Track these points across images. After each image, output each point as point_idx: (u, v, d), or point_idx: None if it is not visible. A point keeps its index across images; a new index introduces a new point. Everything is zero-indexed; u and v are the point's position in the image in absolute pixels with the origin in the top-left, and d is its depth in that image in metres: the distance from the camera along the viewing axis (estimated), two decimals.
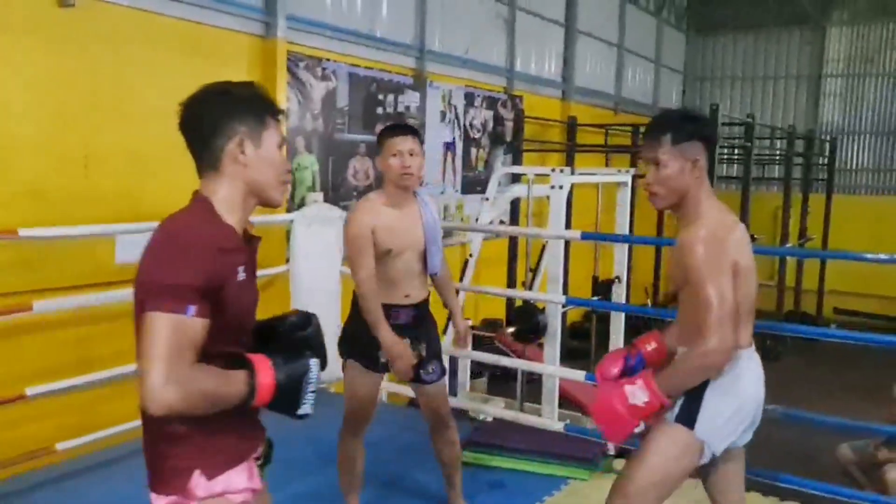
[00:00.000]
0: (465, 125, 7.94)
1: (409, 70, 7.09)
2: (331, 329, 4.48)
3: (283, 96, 5.58)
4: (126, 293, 1.57)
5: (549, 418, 4.53)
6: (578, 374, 4.33)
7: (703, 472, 2.23)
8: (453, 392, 5.89)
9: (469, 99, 8.00)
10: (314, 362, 1.60)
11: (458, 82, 7.80)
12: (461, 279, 6.21)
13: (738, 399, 2.08)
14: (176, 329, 1.40)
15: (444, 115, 7.62)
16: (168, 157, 4.75)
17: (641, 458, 2.11)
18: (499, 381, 7.16)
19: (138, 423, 1.57)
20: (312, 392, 1.60)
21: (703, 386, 2.05)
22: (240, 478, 1.58)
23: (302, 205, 5.65)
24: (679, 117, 2.17)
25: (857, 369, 4.90)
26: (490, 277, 7.51)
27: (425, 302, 2.89)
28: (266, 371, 1.52)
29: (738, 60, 13.81)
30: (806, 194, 11.17)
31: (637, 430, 2.05)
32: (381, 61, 6.72)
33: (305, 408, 1.60)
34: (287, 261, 4.70)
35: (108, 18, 4.36)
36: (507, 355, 5.43)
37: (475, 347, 5.95)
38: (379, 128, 3.33)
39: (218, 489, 1.53)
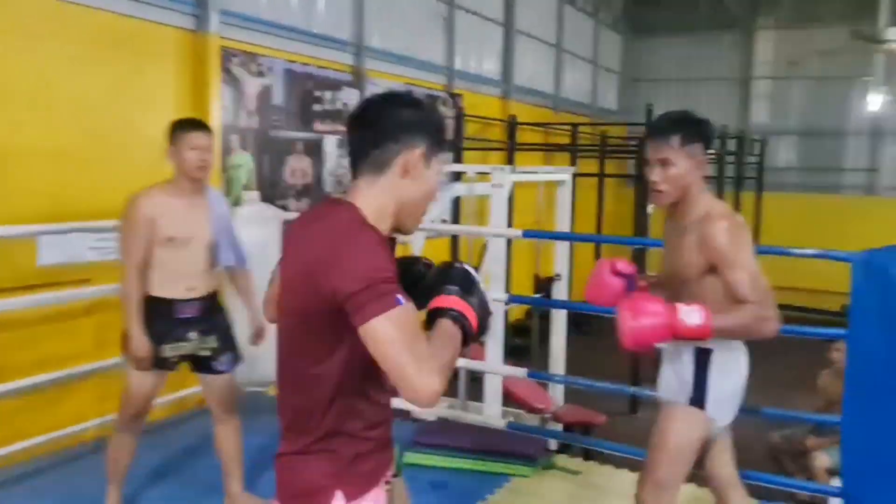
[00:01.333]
0: None
1: (347, 67, 7.01)
2: (271, 331, 4.40)
3: (217, 93, 5.43)
4: (49, 297, 1.48)
5: (493, 416, 4.54)
6: (521, 372, 4.35)
7: (704, 449, 2.39)
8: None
9: None
10: (465, 265, 1.57)
11: (397, 80, 7.75)
12: None
13: (737, 380, 2.30)
14: (395, 325, 1.35)
15: None
16: (92, 153, 4.58)
17: (664, 444, 2.30)
18: None
19: (55, 434, 1.49)
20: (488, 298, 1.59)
21: (707, 370, 2.24)
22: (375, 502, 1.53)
23: (237, 204, 5.51)
24: (686, 119, 2.28)
25: (787, 361, 5.06)
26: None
27: (214, 294, 2.96)
28: (458, 306, 1.47)
29: (673, 62, 14.14)
30: (738, 192, 11.51)
31: (660, 345, 2.17)
32: (318, 58, 6.62)
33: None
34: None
35: (22, 8, 4.16)
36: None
37: None
38: (318, 123, 3.34)
39: None
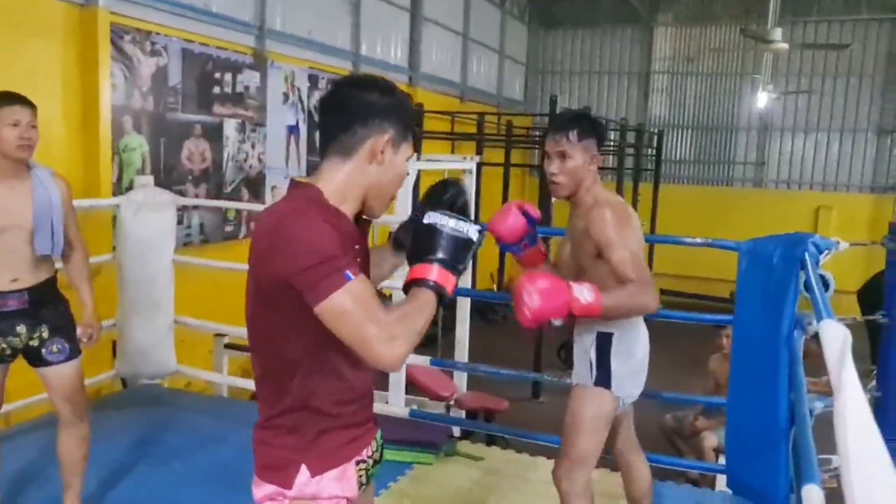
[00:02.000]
0: (309, 108, 7.74)
1: (248, 49, 6.80)
2: (164, 323, 4.24)
3: (106, 71, 5.16)
4: None
5: (396, 405, 4.53)
6: (424, 360, 4.35)
7: (615, 427, 2.55)
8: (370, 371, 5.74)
9: (313, 81, 7.80)
10: (453, 223, 1.53)
11: (301, 63, 7.59)
12: None
13: (636, 361, 2.45)
14: (354, 297, 1.37)
15: (286, 97, 7.38)
16: None
17: (575, 423, 2.41)
18: None
19: None
20: (464, 223, 1.54)
21: (608, 352, 2.39)
22: (333, 484, 1.53)
23: (129, 188, 5.27)
24: (583, 118, 2.43)
25: (680, 345, 5.29)
26: None
27: (44, 284, 2.66)
28: (442, 273, 1.49)
29: (576, 55, 14.48)
30: (636, 183, 11.93)
31: (556, 323, 2.22)
32: (218, 38, 6.39)
33: (472, 234, 1.55)
34: (113, 248, 4.36)
35: None
36: None
37: None
38: (217, 106, 3.10)
39: (310, 491, 1.50)
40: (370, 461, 1.62)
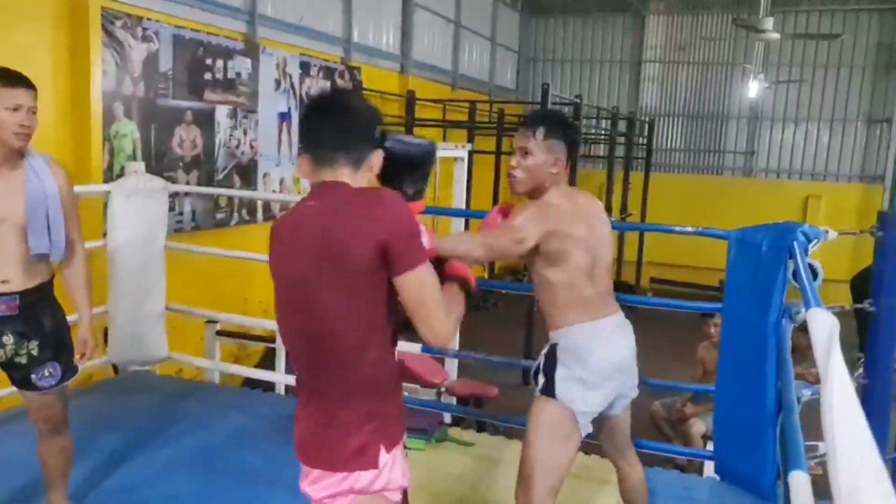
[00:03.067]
0: (301, 95, 7.71)
1: (239, 35, 6.76)
2: (156, 310, 4.24)
3: (97, 57, 5.12)
4: None
5: None
6: (415, 347, 4.37)
7: (598, 429, 2.47)
8: (290, 369, 5.77)
9: (305, 68, 7.77)
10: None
11: (292, 50, 7.55)
12: None
13: (592, 371, 2.29)
14: (432, 274, 1.56)
15: (278, 83, 7.35)
16: None
17: (526, 436, 2.34)
18: None
19: None
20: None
21: (553, 360, 2.30)
22: (398, 471, 1.64)
23: (121, 175, 5.24)
24: (554, 118, 2.39)
25: (669, 333, 5.34)
26: None
27: (38, 289, 2.36)
28: (472, 277, 1.76)
29: (568, 43, 14.45)
30: (627, 172, 11.95)
31: None
32: (209, 24, 6.35)
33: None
34: (104, 235, 4.34)
35: None
36: None
37: None
38: (209, 92, 2.97)
39: (392, 472, 1.61)
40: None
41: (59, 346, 2.42)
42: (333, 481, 1.58)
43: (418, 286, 1.52)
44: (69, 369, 2.46)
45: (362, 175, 1.65)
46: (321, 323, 1.57)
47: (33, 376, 2.37)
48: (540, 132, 2.29)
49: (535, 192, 2.34)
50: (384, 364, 1.61)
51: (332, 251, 1.53)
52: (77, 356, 2.52)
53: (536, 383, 2.36)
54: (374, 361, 1.58)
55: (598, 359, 2.30)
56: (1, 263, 2.27)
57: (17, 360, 2.34)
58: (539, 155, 2.29)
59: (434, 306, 1.53)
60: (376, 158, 1.66)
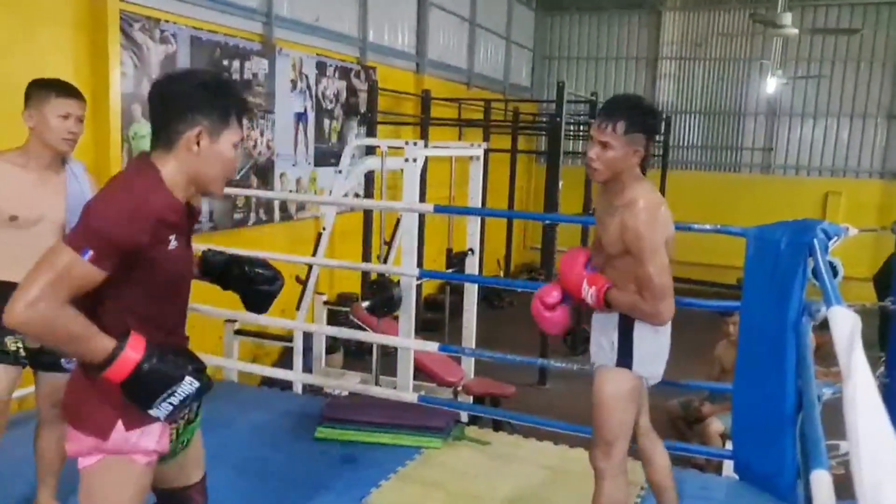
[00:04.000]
0: (317, 95, 7.74)
1: (256, 36, 6.80)
2: None
3: (117, 59, 5.17)
4: None
5: (404, 391, 4.56)
6: (432, 346, 4.38)
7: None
8: (308, 368, 5.80)
9: (321, 68, 7.80)
10: (189, 381, 1.61)
11: (309, 51, 7.58)
12: (314, 253, 6.09)
13: (659, 342, 2.49)
14: (67, 264, 1.49)
15: (294, 84, 7.38)
16: None
17: (601, 403, 2.47)
18: (354, 356, 7.13)
19: None
20: (173, 404, 1.60)
21: (631, 335, 2.44)
22: (149, 438, 1.65)
23: None
24: (633, 110, 2.38)
25: (686, 332, 5.27)
26: (345, 251, 7.42)
27: None
28: (135, 351, 1.55)
29: (584, 41, 14.40)
30: (644, 169, 11.87)
31: (557, 301, 2.60)
32: (225, 25, 6.39)
33: (156, 411, 1.60)
34: None
35: None
36: (363, 329, 5.40)
37: (330, 322, 5.88)
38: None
39: (128, 446, 1.62)
40: (181, 421, 1.78)
41: None
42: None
43: (45, 254, 1.56)
44: None
45: (182, 158, 1.64)
46: None
47: (63, 360, 2.52)
48: (620, 126, 2.31)
49: (613, 180, 2.41)
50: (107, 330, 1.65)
51: None
52: None
53: (610, 355, 2.49)
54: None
55: (666, 335, 2.50)
56: (37, 258, 2.35)
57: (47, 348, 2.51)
58: (619, 149, 2.33)
59: (33, 278, 1.51)
60: (191, 135, 1.62)
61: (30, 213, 2.43)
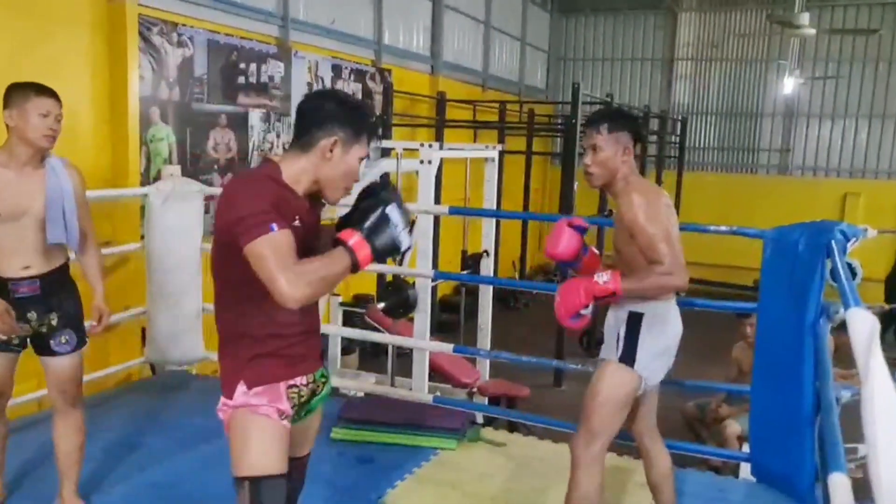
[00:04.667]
0: None
1: (272, 39, 6.84)
2: (193, 311, 4.31)
3: (135, 62, 5.23)
4: None
5: (420, 391, 4.57)
6: (447, 347, 4.39)
7: (634, 407, 2.63)
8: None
9: (336, 71, 7.83)
10: (390, 207, 1.84)
11: (324, 53, 7.62)
12: None
13: (666, 341, 2.52)
14: (273, 244, 1.70)
15: (310, 86, 7.42)
16: None
17: (594, 395, 2.51)
18: (370, 357, 7.15)
19: None
20: (404, 228, 1.85)
21: (637, 331, 2.47)
22: (267, 396, 1.87)
23: (157, 178, 5.34)
24: (614, 112, 2.62)
25: (702, 333, 5.28)
26: None
27: (57, 272, 2.70)
28: (349, 238, 1.79)
29: (599, 42, 14.36)
30: (659, 170, 11.84)
31: (583, 312, 2.44)
32: (242, 29, 6.44)
33: (405, 244, 1.86)
34: (142, 237, 4.43)
35: None
36: (378, 331, 5.42)
37: (346, 324, 5.90)
38: (242, 96, 3.17)
39: (246, 401, 1.86)
40: (304, 388, 1.95)
41: (73, 318, 2.75)
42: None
43: (253, 260, 1.72)
44: (81, 339, 2.78)
45: (312, 159, 1.86)
46: (214, 282, 1.97)
47: (52, 342, 2.69)
48: (604, 127, 2.48)
49: (611, 183, 2.52)
50: (244, 317, 1.89)
51: (216, 217, 1.86)
52: (94, 322, 2.83)
53: (614, 349, 2.51)
54: (228, 312, 1.92)
55: (673, 334, 2.54)
56: (24, 251, 2.60)
57: (41, 330, 2.68)
58: (608, 148, 2.47)
59: (273, 276, 1.68)
60: (327, 143, 1.84)
61: (13, 209, 2.55)
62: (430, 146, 5.02)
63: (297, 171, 1.86)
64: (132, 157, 5.28)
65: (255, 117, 6.66)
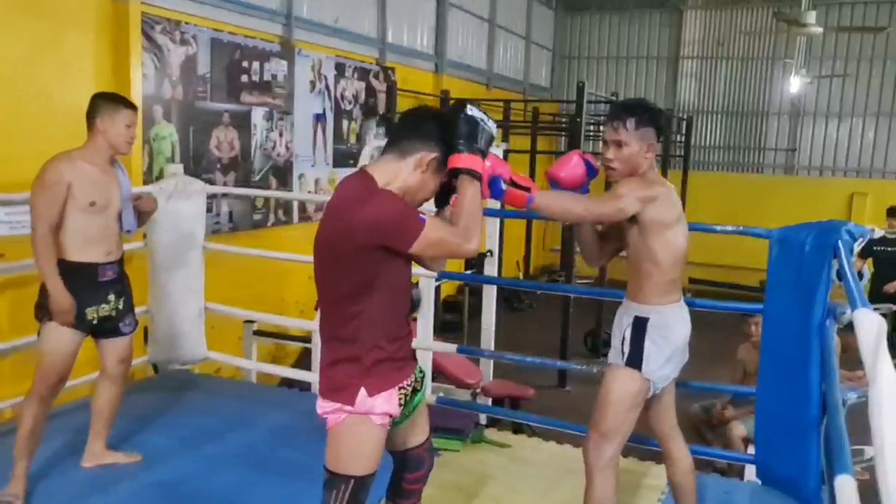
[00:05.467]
0: (336, 96, 7.76)
1: (275, 37, 6.83)
2: (195, 310, 4.30)
3: (138, 61, 5.22)
4: None
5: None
6: (451, 347, 4.38)
7: (647, 405, 2.62)
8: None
9: (340, 69, 7.82)
10: (467, 110, 2.04)
11: (328, 52, 7.60)
12: None
13: (671, 346, 2.50)
14: (434, 227, 1.93)
15: (313, 85, 7.41)
16: (5, 123, 4.35)
17: (605, 399, 2.51)
18: None
19: None
20: (485, 116, 2.06)
21: (643, 335, 2.46)
22: (384, 402, 1.99)
23: (160, 177, 5.33)
24: (639, 106, 2.50)
25: (708, 334, 5.25)
26: None
27: (123, 258, 3.14)
28: (469, 160, 2.01)
29: (604, 40, 14.31)
30: (665, 170, 11.77)
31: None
32: (245, 27, 6.42)
33: (493, 127, 2.08)
34: (144, 237, 4.43)
35: None
36: None
37: None
38: (245, 95, 3.39)
39: (365, 408, 1.97)
40: (409, 388, 2.07)
41: (131, 301, 3.20)
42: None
43: (431, 248, 1.97)
44: (135, 320, 3.24)
45: (410, 169, 2.01)
46: (317, 280, 2.10)
47: (121, 324, 3.13)
48: (631, 122, 2.42)
49: (630, 177, 2.47)
50: (368, 324, 2.00)
51: (323, 227, 2.04)
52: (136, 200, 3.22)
53: (620, 354, 2.50)
54: (358, 326, 2.01)
55: (680, 338, 2.52)
56: (107, 239, 3.01)
57: (112, 313, 3.07)
58: (633, 144, 2.43)
59: (451, 247, 1.98)
60: (424, 157, 2.00)
61: (105, 201, 2.96)
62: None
63: (386, 178, 1.98)
64: (135, 156, 5.27)
65: (257, 116, 6.65)
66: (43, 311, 2.91)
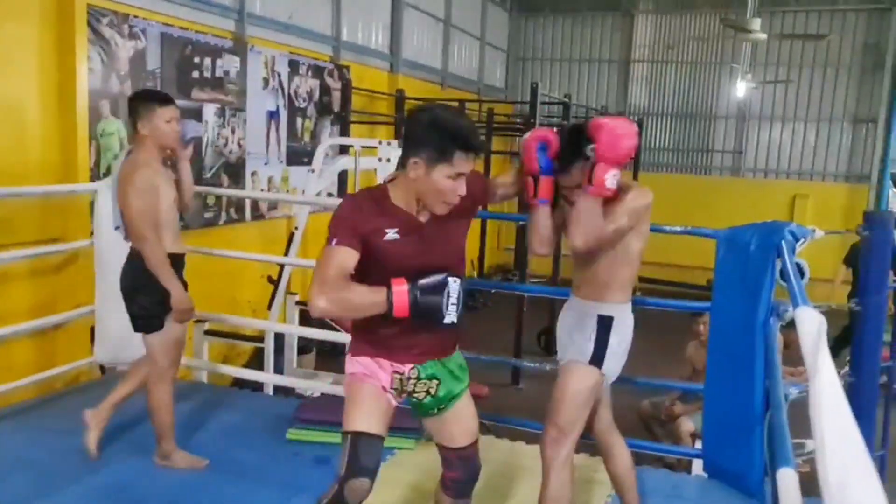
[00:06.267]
0: (289, 94, 7.68)
1: (228, 33, 6.73)
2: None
3: (83, 55, 5.08)
4: None
5: None
6: None
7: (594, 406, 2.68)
8: (279, 370, 5.75)
9: (294, 67, 7.74)
10: (452, 280, 2.02)
11: (281, 48, 7.52)
12: (286, 252, 6.04)
13: (626, 342, 2.59)
14: (328, 255, 2.01)
15: (266, 82, 7.32)
16: None
17: (562, 394, 2.55)
18: (327, 357, 7.08)
19: None
20: (454, 304, 2.02)
21: (608, 333, 2.52)
22: (362, 366, 2.20)
23: (108, 174, 5.20)
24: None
25: (658, 332, 5.36)
26: (317, 251, 7.36)
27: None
28: (400, 292, 1.98)
29: (557, 42, 14.46)
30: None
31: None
32: (197, 22, 6.31)
33: (449, 317, 2.03)
34: (91, 234, 4.32)
35: None
36: (335, 330, 5.36)
37: (302, 323, 5.84)
38: (197, 91, 3.42)
39: (351, 368, 2.23)
40: (405, 377, 2.22)
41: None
42: None
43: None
44: None
45: (407, 177, 2.05)
46: None
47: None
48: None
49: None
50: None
51: None
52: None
53: (581, 352, 2.53)
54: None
55: (631, 334, 2.59)
56: (178, 232, 3.19)
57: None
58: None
59: (314, 280, 2.01)
60: (412, 163, 2.03)
61: (175, 196, 3.12)
62: (389, 144, 4.99)
63: (402, 189, 2.08)
64: (81, 152, 5.13)
65: (209, 112, 6.54)
66: (152, 319, 3.06)
